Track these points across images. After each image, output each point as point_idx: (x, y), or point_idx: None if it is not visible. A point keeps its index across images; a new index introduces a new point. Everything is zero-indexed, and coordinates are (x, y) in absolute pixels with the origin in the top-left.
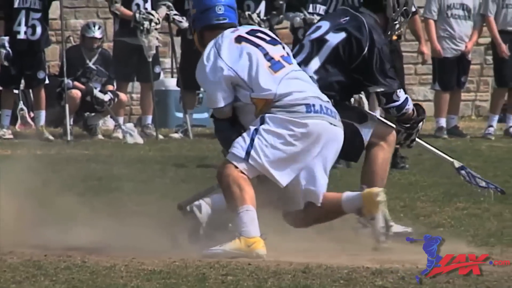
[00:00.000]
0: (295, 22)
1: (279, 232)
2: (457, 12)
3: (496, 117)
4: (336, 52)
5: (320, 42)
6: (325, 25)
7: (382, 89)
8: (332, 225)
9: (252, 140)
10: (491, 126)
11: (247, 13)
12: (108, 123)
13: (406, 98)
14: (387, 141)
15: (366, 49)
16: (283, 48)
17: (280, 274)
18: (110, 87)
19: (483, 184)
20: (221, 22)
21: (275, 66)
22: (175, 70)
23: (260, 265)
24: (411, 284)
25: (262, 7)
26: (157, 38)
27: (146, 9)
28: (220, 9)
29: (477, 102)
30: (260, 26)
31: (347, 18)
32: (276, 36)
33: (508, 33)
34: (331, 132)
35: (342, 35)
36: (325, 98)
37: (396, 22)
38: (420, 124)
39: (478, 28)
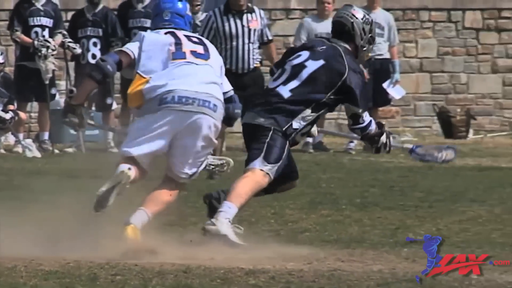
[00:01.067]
0: None
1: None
2: None
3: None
4: (315, 76)
5: (300, 67)
6: (305, 54)
7: (359, 111)
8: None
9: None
10: (352, 142)
11: None
12: (9, 139)
13: (370, 120)
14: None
15: (346, 74)
16: (206, 50)
17: (163, 274)
18: (11, 107)
19: (434, 157)
20: (166, 26)
21: (177, 54)
22: None
23: (145, 266)
24: (280, 283)
25: None
26: (53, 63)
27: (43, 36)
28: (166, 15)
29: (339, 120)
30: None
31: (324, 47)
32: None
33: (368, 59)
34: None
35: (321, 62)
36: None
37: (365, 48)
38: (383, 137)
39: None
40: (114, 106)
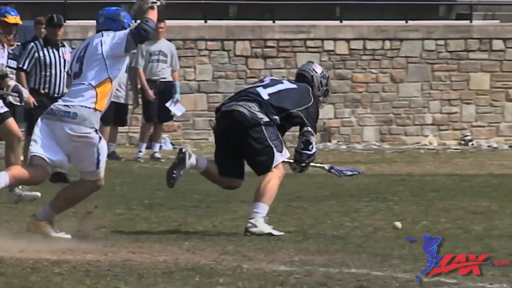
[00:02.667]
0: None
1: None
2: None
3: (144, 145)
4: (288, 92)
5: (278, 81)
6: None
7: (313, 135)
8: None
9: None
10: (141, 151)
11: None
12: None
13: (316, 150)
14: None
15: (311, 103)
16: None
17: None
18: None
19: (350, 173)
20: (100, 29)
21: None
22: None
23: None
24: (81, 272)
25: None
26: None
27: None
28: (101, 20)
29: (129, 133)
30: None
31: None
32: None
33: (153, 81)
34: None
35: (294, 85)
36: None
37: (320, 98)
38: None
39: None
40: None
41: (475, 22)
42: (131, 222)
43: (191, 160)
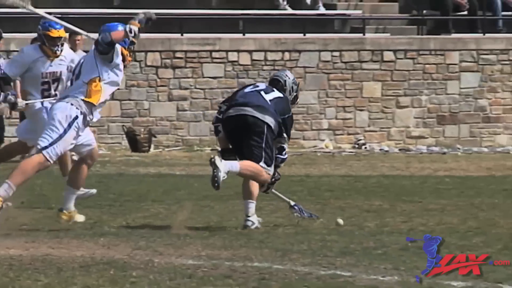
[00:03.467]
0: None
1: None
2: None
3: None
4: (280, 100)
5: (271, 89)
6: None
7: (287, 142)
8: None
9: None
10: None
11: None
12: None
13: (287, 156)
14: None
15: (291, 112)
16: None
17: None
18: None
19: (308, 215)
20: None
21: None
22: None
23: None
24: (4, 265)
25: None
26: None
27: None
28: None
29: None
30: None
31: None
32: None
33: None
34: None
35: (281, 94)
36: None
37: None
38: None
39: None
40: None
41: (367, 35)
42: (51, 220)
43: (223, 164)
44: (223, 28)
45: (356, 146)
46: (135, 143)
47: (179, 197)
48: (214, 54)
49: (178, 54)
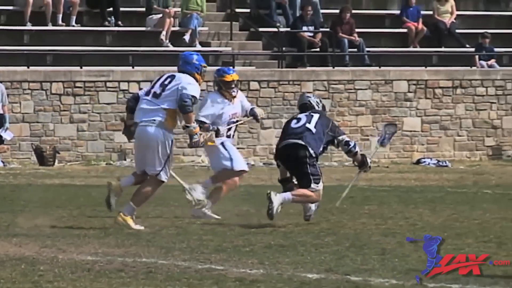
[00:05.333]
0: None
1: None
2: None
3: None
4: (319, 120)
5: (310, 116)
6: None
7: (343, 137)
8: None
9: None
10: None
11: None
12: None
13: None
14: None
15: (330, 120)
16: (163, 89)
17: None
18: None
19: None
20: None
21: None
22: None
23: None
24: None
25: None
26: None
27: None
28: (180, 62)
29: None
30: None
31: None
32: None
33: None
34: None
35: (317, 114)
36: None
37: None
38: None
39: None
40: None
41: (237, 68)
42: None
43: (277, 198)
44: (116, 62)
45: None
46: (42, 159)
47: (79, 203)
48: (108, 84)
49: (78, 84)
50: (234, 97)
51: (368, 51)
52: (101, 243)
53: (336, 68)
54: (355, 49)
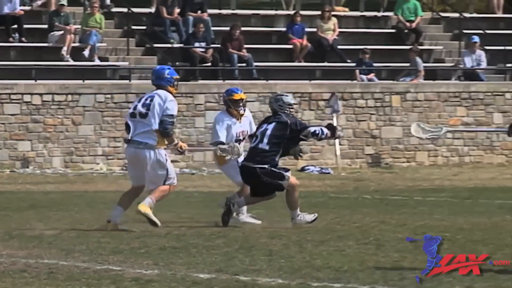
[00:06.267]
0: None
1: None
2: None
3: None
4: (274, 128)
5: (268, 123)
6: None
7: (307, 130)
8: None
9: None
10: None
11: None
12: None
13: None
14: None
15: (288, 120)
16: (147, 108)
17: None
18: None
19: None
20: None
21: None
22: None
23: None
24: None
25: None
26: None
27: None
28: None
29: None
30: None
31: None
32: None
33: None
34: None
35: (275, 120)
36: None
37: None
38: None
39: None
40: None
41: (133, 81)
42: None
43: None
44: (20, 75)
45: (124, 168)
46: None
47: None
48: (12, 96)
49: None
50: (242, 115)
51: (256, 66)
52: (5, 245)
53: (226, 81)
54: (244, 64)
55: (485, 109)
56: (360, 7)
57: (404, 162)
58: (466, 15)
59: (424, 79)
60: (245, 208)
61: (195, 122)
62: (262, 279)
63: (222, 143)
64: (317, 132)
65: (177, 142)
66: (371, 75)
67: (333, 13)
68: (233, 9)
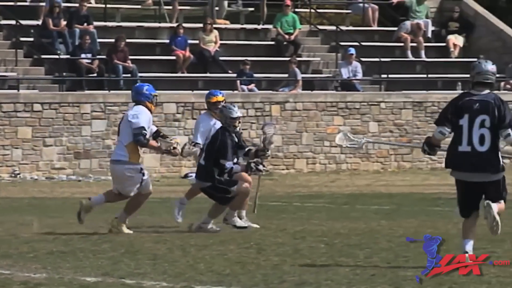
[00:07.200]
0: None
1: None
2: None
3: None
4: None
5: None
6: None
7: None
8: None
9: None
10: None
11: None
12: None
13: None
14: None
15: (217, 139)
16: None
17: None
18: None
19: None
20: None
21: None
22: None
23: None
24: None
25: None
26: None
27: None
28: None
29: None
30: None
31: None
32: None
33: None
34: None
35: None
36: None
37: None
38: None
39: None
40: None
41: (21, 91)
42: None
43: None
44: None
45: (13, 175)
46: None
47: None
48: None
49: None
50: (219, 116)
51: (140, 76)
52: None
53: (111, 91)
54: (129, 75)
55: (361, 118)
56: (240, 20)
57: (283, 169)
58: (343, 28)
59: (303, 90)
60: (235, 213)
61: (81, 131)
62: (147, 282)
63: (197, 143)
64: (252, 149)
65: (169, 146)
66: (252, 86)
67: (214, 25)
68: (118, 22)
